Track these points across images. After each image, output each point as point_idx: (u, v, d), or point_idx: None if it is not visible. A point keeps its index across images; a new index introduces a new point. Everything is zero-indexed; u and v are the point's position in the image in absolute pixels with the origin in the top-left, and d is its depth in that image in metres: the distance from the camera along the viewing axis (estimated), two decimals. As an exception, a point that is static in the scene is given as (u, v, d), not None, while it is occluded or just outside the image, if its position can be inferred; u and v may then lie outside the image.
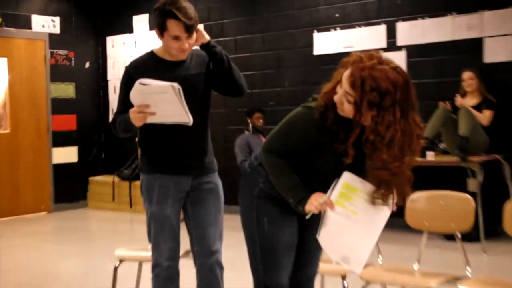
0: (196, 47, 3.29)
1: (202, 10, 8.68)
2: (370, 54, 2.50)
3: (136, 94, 3.02)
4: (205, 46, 3.25)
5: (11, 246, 7.06)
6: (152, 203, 3.35)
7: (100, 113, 10.20)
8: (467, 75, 6.60)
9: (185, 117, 3.04)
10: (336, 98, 2.50)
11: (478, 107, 6.51)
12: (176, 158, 3.33)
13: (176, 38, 3.17)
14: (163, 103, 3.00)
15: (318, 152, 2.60)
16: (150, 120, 3.08)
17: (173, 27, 3.15)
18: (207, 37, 3.24)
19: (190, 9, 3.16)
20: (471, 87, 6.58)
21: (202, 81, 3.34)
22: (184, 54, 3.28)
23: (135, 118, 3.08)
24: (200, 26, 3.28)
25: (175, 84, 2.94)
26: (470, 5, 6.85)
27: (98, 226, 8.67)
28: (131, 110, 3.09)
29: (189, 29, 3.15)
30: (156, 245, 3.36)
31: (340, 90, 2.48)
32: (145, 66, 3.31)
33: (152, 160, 3.37)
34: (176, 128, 3.15)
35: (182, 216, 3.45)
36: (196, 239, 3.42)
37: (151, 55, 3.37)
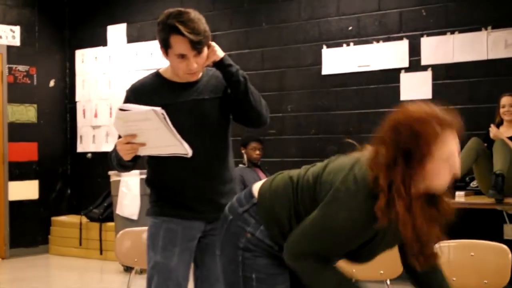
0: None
1: (190, 20, 8.75)
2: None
3: (119, 123, 3.03)
4: (218, 65, 3.26)
5: (-43, 300, 7.04)
6: (156, 251, 3.33)
7: (67, 141, 10.23)
8: (507, 100, 6.62)
9: (180, 148, 3.04)
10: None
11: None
12: (187, 200, 3.34)
13: (182, 56, 3.18)
14: (151, 132, 3.01)
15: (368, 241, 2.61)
16: (143, 152, 3.09)
17: (178, 44, 3.16)
18: (221, 54, 3.25)
19: (199, 22, 3.17)
20: (510, 115, 6.61)
21: (216, 107, 3.34)
22: (194, 76, 3.28)
23: (123, 150, 3.08)
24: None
25: (158, 109, 2.92)
26: (509, 19, 6.93)
27: (62, 276, 8.63)
28: (118, 142, 3.09)
29: (197, 46, 3.14)
30: None
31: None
32: (148, 89, 3.34)
33: (159, 201, 3.38)
34: (187, 163, 3.14)
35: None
36: None
37: (155, 76, 3.39)
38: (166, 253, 3.31)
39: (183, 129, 3.12)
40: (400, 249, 2.77)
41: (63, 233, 9.67)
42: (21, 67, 9.69)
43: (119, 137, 3.19)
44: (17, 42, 9.66)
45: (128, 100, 3.32)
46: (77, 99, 10.15)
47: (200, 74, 3.37)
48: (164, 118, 2.94)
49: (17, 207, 9.58)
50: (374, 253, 2.68)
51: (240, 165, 7.59)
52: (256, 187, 2.84)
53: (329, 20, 8.00)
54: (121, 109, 2.98)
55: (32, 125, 9.83)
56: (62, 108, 10.22)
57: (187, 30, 3.12)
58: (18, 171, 9.62)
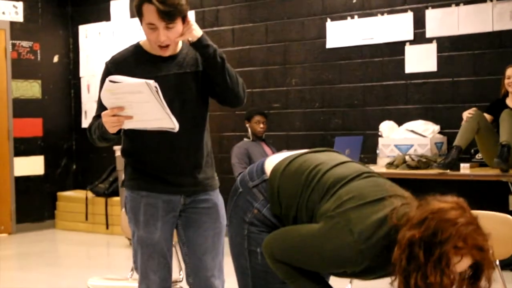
0: None
1: (194, -6, 8.73)
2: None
3: (107, 95, 2.98)
4: (195, 44, 3.21)
5: (-36, 275, 7.08)
6: (138, 225, 3.33)
7: (71, 117, 10.24)
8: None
9: (168, 122, 3.00)
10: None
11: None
12: (165, 173, 3.32)
13: (152, 27, 3.15)
14: (140, 105, 2.96)
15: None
16: (128, 125, 3.05)
17: (147, 12, 3.13)
18: (198, 33, 3.20)
19: None
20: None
21: (197, 81, 3.32)
22: (165, 51, 3.24)
23: (108, 123, 3.02)
24: (189, 15, 3.24)
25: (151, 82, 2.88)
26: (513, -10, 6.89)
27: (69, 251, 8.68)
28: (103, 113, 3.04)
29: (165, 17, 3.09)
30: (144, 276, 3.34)
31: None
32: (128, 61, 3.31)
33: (137, 174, 3.36)
34: (165, 137, 3.12)
35: (175, 239, 3.46)
36: (191, 269, 3.43)
37: (136, 48, 3.36)
38: (149, 228, 3.31)
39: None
40: None
41: (69, 208, 9.71)
42: (24, 43, 9.68)
43: (100, 108, 3.17)
44: (20, 18, 9.64)
45: (108, 71, 3.28)
46: (81, 74, 10.14)
47: (179, 47, 3.34)
48: (157, 91, 2.89)
49: (22, 182, 9.61)
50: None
51: (245, 139, 7.57)
52: (269, 163, 2.83)
53: (333, -7, 7.95)
54: (111, 81, 2.93)
55: (37, 101, 9.83)
56: (66, 84, 10.21)
57: None
58: (23, 147, 9.64)
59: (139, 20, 3.22)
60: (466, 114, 6.47)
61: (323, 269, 2.62)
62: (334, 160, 2.77)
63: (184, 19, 3.18)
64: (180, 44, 3.35)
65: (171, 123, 3.00)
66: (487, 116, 6.56)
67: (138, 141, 3.31)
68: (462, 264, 2.37)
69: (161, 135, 3.10)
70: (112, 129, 3.05)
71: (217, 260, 3.42)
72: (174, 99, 3.22)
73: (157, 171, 3.32)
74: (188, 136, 3.28)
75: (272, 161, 2.83)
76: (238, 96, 3.31)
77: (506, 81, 6.57)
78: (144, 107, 2.96)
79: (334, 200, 2.57)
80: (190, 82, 3.30)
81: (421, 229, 2.35)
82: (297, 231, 2.60)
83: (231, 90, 3.27)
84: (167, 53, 3.25)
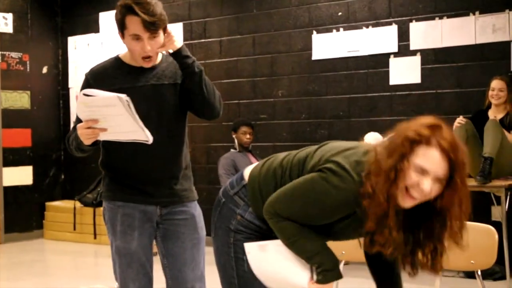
0: None
1: (182, 6, 8.75)
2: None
3: (81, 108, 3.01)
4: (175, 54, 3.25)
5: (-48, 284, 7.04)
6: (116, 235, 3.35)
7: (60, 127, 10.23)
8: (497, 84, 6.58)
9: (141, 134, 3.02)
10: (414, 181, 2.44)
11: (501, 122, 6.55)
12: (141, 184, 3.34)
13: (137, 38, 3.18)
14: (113, 118, 2.98)
15: (342, 219, 2.62)
16: (103, 137, 3.08)
17: (132, 24, 3.16)
18: (178, 44, 3.24)
19: (156, 5, 3.16)
20: (499, 99, 6.59)
21: (175, 93, 3.34)
22: (149, 62, 3.27)
23: (83, 135, 3.05)
24: (177, 27, 3.28)
25: (123, 96, 2.90)
26: (497, 4, 6.93)
27: (57, 260, 8.64)
28: (78, 126, 3.07)
29: (150, 27, 3.13)
30: (123, 285, 3.36)
31: (414, 171, 2.44)
32: (107, 72, 3.34)
33: (114, 185, 3.38)
34: (142, 148, 3.13)
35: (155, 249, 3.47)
36: (172, 281, 3.43)
37: (115, 60, 3.39)
38: (125, 237, 3.32)
39: (141, 114, 3.12)
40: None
41: (57, 218, 9.68)
42: (14, 54, 9.66)
43: (77, 120, 3.19)
44: (9, 29, 9.63)
45: (87, 83, 3.32)
46: (70, 85, 10.14)
47: (159, 60, 3.37)
48: (128, 105, 2.92)
49: (11, 192, 9.58)
50: (347, 234, 2.72)
51: (232, 150, 7.59)
52: (247, 171, 2.87)
53: (319, 6, 7.99)
54: (85, 94, 2.96)
55: (26, 112, 9.81)
56: (55, 95, 10.20)
57: (142, 10, 3.11)
58: (12, 157, 9.61)
59: (120, 33, 3.25)
60: (456, 122, 6.50)
61: (325, 215, 2.60)
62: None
63: (165, 30, 3.22)
64: (159, 57, 3.38)
65: (144, 136, 3.03)
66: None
67: (115, 152, 3.33)
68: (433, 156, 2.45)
69: (137, 146, 3.11)
70: (87, 141, 3.09)
71: (198, 271, 3.43)
72: (150, 110, 3.26)
73: (134, 182, 3.34)
74: (165, 148, 3.29)
75: (249, 168, 2.88)
76: (214, 107, 3.32)
77: (490, 93, 6.60)
78: (117, 119, 2.98)
79: (315, 158, 2.66)
80: (167, 94, 3.32)
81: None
82: (294, 183, 2.63)
83: (207, 102, 3.28)
84: (150, 63, 3.28)
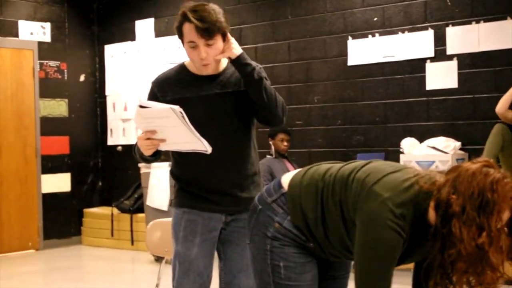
0: None
1: (217, 14, 8.75)
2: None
3: (138, 119, 3.05)
4: (234, 62, 3.26)
5: (-7, 290, 7.11)
6: (178, 241, 3.37)
7: (97, 134, 10.30)
8: None
9: (199, 145, 3.04)
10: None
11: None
12: (207, 192, 3.35)
13: (193, 45, 3.20)
14: (170, 129, 3.01)
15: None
16: (164, 147, 3.11)
17: (187, 31, 3.20)
18: (238, 51, 3.24)
19: (213, 12, 3.18)
20: None
21: (239, 100, 3.33)
22: (207, 68, 3.28)
23: (143, 146, 3.11)
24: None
25: (176, 107, 2.93)
26: (534, 7, 6.86)
27: (95, 266, 8.70)
28: (138, 137, 3.13)
29: (204, 34, 3.15)
30: None
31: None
32: (170, 81, 3.37)
33: (182, 193, 3.40)
34: (205, 156, 3.13)
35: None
36: (225, 284, 3.44)
37: (180, 68, 3.42)
38: (186, 243, 3.33)
39: (205, 122, 3.14)
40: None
41: (95, 224, 9.74)
42: (52, 63, 9.76)
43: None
44: (47, 38, 9.72)
45: (152, 92, 3.38)
46: (107, 93, 10.20)
47: (223, 66, 3.37)
48: (182, 116, 2.94)
49: (50, 199, 9.66)
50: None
51: (268, 156, 7.58)
52: (286, 178, 2.84)
53: (354, 12, 7.96)
54: (140, 106, 2.98)
55: (64, 119, 9.89)
56: (93, 102, 10.28)
57: (195, 17, 3.15)
58: (51, 164, 9.70)
59: (180, 41, 3.28)
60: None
61: (394, 252, 2.51)
62: (344, 162, 2.82)
63: (224, 36, 3.23)
64: (224, 64, 3.38)
65: (202, 146, 3.05)
66: (506, 112, 6.49)
67: (181, 161, 3.36)
68: (505, 217, 2.38)
69: (202, 155, 3.12)
70: (147, 152, 3.14)
71: (251, 280, 3.39)
72: (214, 119, 3.27)
73: (199, 190, 3.35)
74: (228, 156, 3.30)
75: (287, 176, 2.85)
76: (276, 115, 3.31)
77: None
78: (174, 131, 3.02)
79: (356, 184, 2.59)
80: (231, 102, 3.32)
81: (464, 189, 2.37)
82: (358, 256, 2.55)
83: (268, 109, 3.28)
84: (208, 70, 3.29)
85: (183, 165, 3.37)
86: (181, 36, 3.26)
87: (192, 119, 2.98)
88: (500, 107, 6.47)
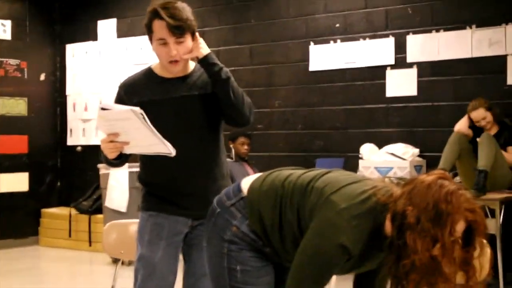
0: None
1: (180, 16, 8.75)
2: None
3: (100, 122, 3.01)
4: (202, 61, 3.25)
5: None
6: (142, 244, 3.34)
7: (56, 134, 10.22)
8: (477, 115, 6.56)
9: (162, 148, 3.02)
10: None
11: (497, 136, 6.55)
12: (174, 196, 3.33)
13: (163, 42, 3.19)
14: (132, 131, 2.99)
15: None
16: (127, 150, 3.09)
17: (158, 28, 3.19)
18: (206, 51, 3.25)
19: (183, 10, 3.19)
20: (488, 124, 6.61)
21: (207, 103, 3.31)
22: (176, 66, 3.25)
23: (106, 149, 3.07)
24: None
25: (136, 109, 2.90)
26: (493, 18, 6.96)
27: (52, 267, 8.63)
28: (101, 140, 3.09)
29: (175, 31, 3.14)
30: None
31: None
32: (137, 84, 3.35)
33: (149, 197, 3.38)
34: (173, 160, 3.10)
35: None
36: (187, 287, 3.43)
37: (146, 71, 3.39)
38: (151, 246, 3.30)
39: (172, 126, 3.13)
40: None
41: (53, 224, 9.66)
42: (12, 61, 9.66)
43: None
44: (8, 36, 9.63)
45: (119, 95, 3.35)
46: (67, 92, 10.12)
47: (191, 69, 3.37)
48: (143, 118, 2.91)
49: (7, 199, 9.56)
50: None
51: (228, 160, 7.55)
52: (245, 182, 2.83)
53: (316, 17, 8.01)
54: (102, 108, 2.95)
55: (23, 118, 9.80)
56: (52, 102, 10.20)
57: (167, 14, 3.14)
58: (9, 163, 9.60)
59: (149, 38, 3.28)
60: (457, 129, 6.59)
61: (332, 266, 2.54)
62: (305, 169, 2.83)
63: (193, 35, 3.24)
64: (192, 66, 3.38)
65: (165, 149, 3.03)
66: (467, 130, 6.60)
67: (149, 164, 3.34)
68: (460, 229, 2.39)
69: (169, 158, 3.09)
70: (110, 155, 3.11)
71: None
72: (181, 122, 3.26)
73: (167, 194, 3.33)
74: (196, 159, 3.29)
75: (247, 181, 2.84)
76: (243, 114, 3.32)
77: (477, 124, 6.59)
78: (136, 133, 2.99)
79: (314, 193, 2.60)
80: (198, 104, 3.30)
81: (419, 201, 2.39)
82: (300, 254, 2.57)
83: (236, 109, 3.28)
84: (177, 67, 3.26)
85: (152, 168, 3.34)
86: (150, 33, 3.24)
87: (159, 122, 2.98)
88: (460, 128, 6.58)
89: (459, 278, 2.48)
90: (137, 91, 3.30)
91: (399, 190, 2.50)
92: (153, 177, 3.37)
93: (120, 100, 3.31)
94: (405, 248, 2.39)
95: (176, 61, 3.23)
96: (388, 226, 2.47)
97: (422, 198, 2.40)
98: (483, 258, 2.50)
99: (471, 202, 2.41)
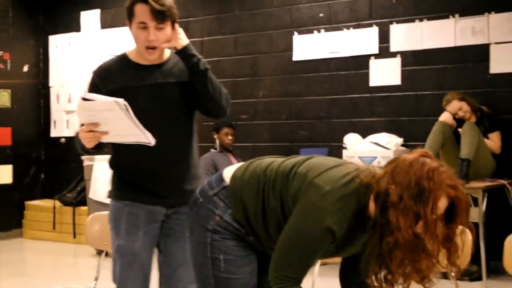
0: None
1: (163, 6, 8.72)
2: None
3: (81, 112, 3.01)
4: (180, 52, 3.24)
5: None
6: (119, 234, 3.32)
7: (40, 126, 10.19)
8: (454, 106, 6.66)
9: (143, 137, 3.01)
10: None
11: (478, 124, 6.59)
12: (148, 184, 3.32)
13: (143, 26, 3.18)
14: (113, 121, 2.98)
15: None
16: (106, 140, 3.07)
17: (140, 11, 3.17)
18: (184, 42, 3.24)
19: None
20: (466, 114, 6.66)
21: (182, 91, 3.31)
22: (153, 53, 3.24)
23: (84, 138, 3.06)
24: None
25: (120, 100, 2.89)
26: (476, 7, 6.98)
27: (36, 260, 8.61)
28: (80, 129, 3.07)
29: (157, 16, 3.14)
30: (122, 285, 3.32)
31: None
32: (112, 70, 3.33)
33: (122, 185, 3.36)
34: (148, 148, 3.09)
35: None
36: (165, 278, 3.42)
37: (121, 58, 3.38)
38: (130, 236, 3.29)
39: (146, 113, 3.11)
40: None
41: (37, 217, 9.64)
42: (-6, 53, 9.63)
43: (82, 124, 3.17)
44: (-10, 27, 9.59)
45: (93, 81, 3.33)
46: (50, 84, 10.09)
47: (166, 57, 3.36)
48: (127, 109, 2.91)
49: (-10, 191, 9.54)
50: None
51: (212, 150, 7.58)
52: (228, 172, 2.84)
53: (300, 7, 8.01)
54: (84, 99, 2.94)
55: (6, 110, 9.76)
56: (36, 93, 10.16)
57: None
58: (-8, 156, 9.58)
59: (128, 22, 3.26)
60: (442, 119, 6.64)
61: (317, 247, 2.56)
62: (286, 156, 2.84)
63: (173, 25, 3.23)
64: (167, 54, 3.37)
65: (145, 138, 3.02)
66: (451, 121, 6.64)
67: (122, 152, 3.31)
68: (442, 205, 2.41)
69: (144, 146, 3.08)
70: (89, 144, 3.09)
71: (191, 273, 3.39)
72: (156, 109, 3.24)
73: (141, 182, 3.32)
74: (171, 147, 3.28)
75: (230, 170, 2.85)
76: (221, 106, 3.31)
77: (457, 115, 6.65)
78: (117, 123, 2.98)
79: (297, 179, 2.61)
80: (173, 92, 3.29)
81: (401, 179, 2.41)
82: (284, 238, 2.58)
83: (213, 100, 3.27)
84: (153, 55, 3.26)
85: (125, 154, 3.31)
86: (130, 17, 3.22)
87: (133, 109, 2.96)
88: (445, 119, 6.62)
89: (441, 257, 2.51)
90: (111, 77, 3.28)
91: (382, 170, 2.52)
92: (126, 164, 3.35)
93: (94, 86, 3.28)
94: (388, 226, 2.40)
95: (153, 48, 3.22)
96: (371, 207, 2.49)
97: (404, 176, 2.41)
98: (464, 237, 2.51)
99: (453, 179, 2.42)
